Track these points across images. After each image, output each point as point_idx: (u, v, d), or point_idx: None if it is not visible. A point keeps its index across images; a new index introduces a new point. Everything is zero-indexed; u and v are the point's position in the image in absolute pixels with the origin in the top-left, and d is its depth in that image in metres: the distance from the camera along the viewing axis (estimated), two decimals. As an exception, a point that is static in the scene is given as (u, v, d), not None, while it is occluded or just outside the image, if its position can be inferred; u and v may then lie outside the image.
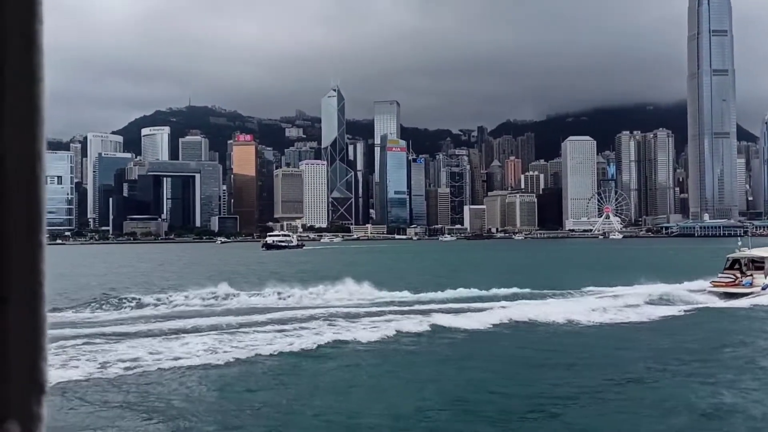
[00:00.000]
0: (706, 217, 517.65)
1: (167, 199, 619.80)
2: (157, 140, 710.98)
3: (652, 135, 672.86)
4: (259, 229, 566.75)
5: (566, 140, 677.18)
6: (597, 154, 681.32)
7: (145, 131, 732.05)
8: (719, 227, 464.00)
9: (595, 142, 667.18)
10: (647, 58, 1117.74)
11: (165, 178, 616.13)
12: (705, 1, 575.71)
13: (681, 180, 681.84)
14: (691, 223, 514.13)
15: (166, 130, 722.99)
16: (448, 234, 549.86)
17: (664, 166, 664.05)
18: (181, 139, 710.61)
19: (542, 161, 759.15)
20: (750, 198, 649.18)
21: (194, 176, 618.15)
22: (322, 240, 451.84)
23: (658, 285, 55.59)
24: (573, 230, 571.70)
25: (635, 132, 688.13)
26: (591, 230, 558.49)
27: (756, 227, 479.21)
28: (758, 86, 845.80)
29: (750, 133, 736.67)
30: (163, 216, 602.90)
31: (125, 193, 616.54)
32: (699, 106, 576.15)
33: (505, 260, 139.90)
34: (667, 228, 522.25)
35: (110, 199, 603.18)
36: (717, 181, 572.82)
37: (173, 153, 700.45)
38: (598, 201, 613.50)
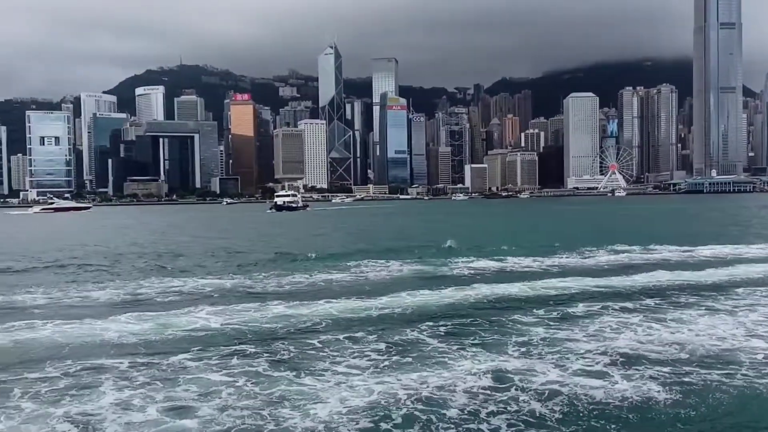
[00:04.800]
0: (713, 173, 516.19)
1: (165, 159, 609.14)
2: (152, 100, 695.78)
3: (655, 91, 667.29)
4: (260, 191, 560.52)
5: (568, 97, 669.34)
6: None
7: (139, 91, 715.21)
8: (729, 183, 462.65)
9: (597, 98, 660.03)
10: (648, 11, 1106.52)
11: (163, 139, 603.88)
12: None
13: (683, 136, 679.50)
14: (699, 179, 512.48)
15: (161, 89, 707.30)
16: (460, 193, 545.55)
17: (667, 123, 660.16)
18: (176, 99, 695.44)
19: (542, 119, 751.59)
20: (751, 154, 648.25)
21: (193, 136, 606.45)
22: (333, 201, 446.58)
23: None
24: (577, 188, 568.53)
25: (638, 88, 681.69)
26: (596, 188, 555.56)
27: (764, 183, 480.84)
28: (763, 40, 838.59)
29: (748, 88, 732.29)
30: (162, 177, 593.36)
31: (122, 154, 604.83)
32: (705, 60, 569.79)
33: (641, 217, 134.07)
34: (674, 185, 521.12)
35: (109, 161, 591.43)
36: (721, 136, 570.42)
37: (168, 113, 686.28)
38: (600, 158, 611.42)
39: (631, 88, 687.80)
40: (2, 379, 17.42)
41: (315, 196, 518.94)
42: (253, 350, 20.21)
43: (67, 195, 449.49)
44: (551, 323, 23.28)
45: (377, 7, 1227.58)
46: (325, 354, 19.62)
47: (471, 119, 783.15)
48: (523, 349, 19.59)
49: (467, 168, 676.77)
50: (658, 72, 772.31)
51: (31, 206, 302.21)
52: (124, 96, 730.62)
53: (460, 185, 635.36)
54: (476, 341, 20.79)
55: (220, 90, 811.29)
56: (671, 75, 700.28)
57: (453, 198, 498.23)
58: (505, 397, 15.25)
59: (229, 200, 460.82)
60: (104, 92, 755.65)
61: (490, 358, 18.62)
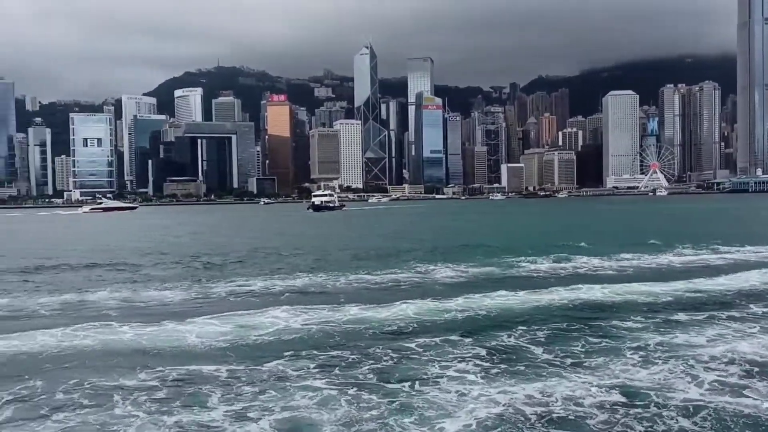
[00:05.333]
0: (758, 172, 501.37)
1: (203, 160, 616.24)
2: (191, 102, 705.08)
3: (697, 88, 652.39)
4: (296, 191, 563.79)
5: (607, 95, 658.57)
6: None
7: (178, 93, 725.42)
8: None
9: (638, 96, 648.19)
10: (689, 6, 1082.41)
11: (201, 140, 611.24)
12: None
13: (726, 134, 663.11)
14: (744, 178, 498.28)
15: (199, 91, 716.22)
16: (498, 193, 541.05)
17: (709, 120, 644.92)
18: (214, 100, 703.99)
19: (580, 117, 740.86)
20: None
21: (230, 137, 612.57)
22: (369, 200, 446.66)
23: None
24: (617, 187, 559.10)
25: (680, 85, 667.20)
26: (636, 187, 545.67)
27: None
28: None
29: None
30: (200, 177, 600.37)
31: (161, 155, 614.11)
32: (750, 56, 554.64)
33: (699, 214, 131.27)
34: (718, 184, 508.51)
35: (149, 161, 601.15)
36: (767, 134, 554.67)
37: (206, 114, 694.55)
38: (641, 157, 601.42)
39: (672, 85, 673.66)
40: (100, 383, 16.83)
41: (351, 196, 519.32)
42: (350, 355, 19.30)
43: (108, 195, 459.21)
44: (660, 330, 21.82)
45: (412, 7, 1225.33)
46: (426, 359, 18.63)
47: (507, 118, 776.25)
48: (641, 359, 18.21)
49: (504, 167, 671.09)
50: (701, 69, 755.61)
51: (80, 206, 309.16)
52: (164, 98, 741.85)
53: (496, 185, 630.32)
54: (585, 349, 19.51)
55: (256, 91, 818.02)
56: (714, 72, 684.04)
57: (490, 198, 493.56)
58: (648, 415, 13.94)
59: (266, 200, 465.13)
60: (144, 94, 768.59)
61: (610, 369, 17.27)
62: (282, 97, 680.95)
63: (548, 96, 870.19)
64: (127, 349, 20.74)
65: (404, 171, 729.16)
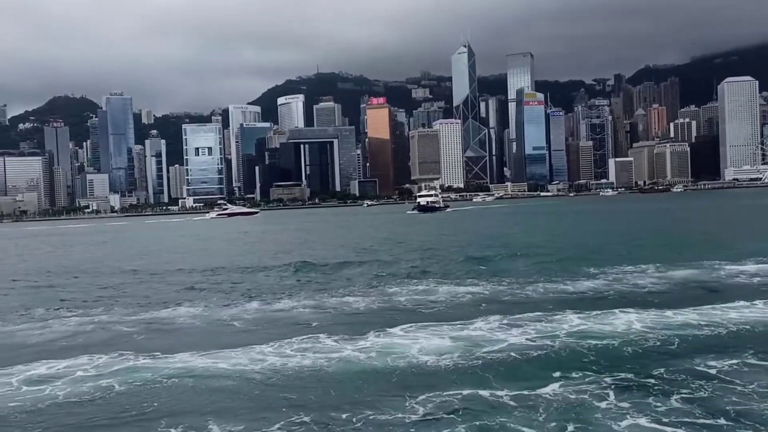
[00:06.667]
0: None
1: (306, 165, 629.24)
2: (293, 108, 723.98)
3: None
4: (396, 192, 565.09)
5: (723, 82, 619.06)
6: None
7: (280, 100, 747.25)
8: None
9: (756, 82, 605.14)
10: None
11: (304, 145, 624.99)
12: None
13: None
14: None
15: (301, 98, 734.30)
16: (609, 188, 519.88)
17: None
18: (315, 106, 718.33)
19: (693, 107, 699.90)
20: None
21: (332, 141, 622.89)
22: (474, 200, 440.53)
23: None
24: (737, 180, 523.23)
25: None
26: (759, 179, 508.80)
27: None
28: None
29: None
30: (304, 182, 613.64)
31: (267, 161, 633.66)
32: None
33: None
34: None
35: (256, 168, 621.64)
36: None
37: (308, 120, 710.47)
38: (762, 147, 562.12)
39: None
40: (374, 417, 14.56)
41: (453, 195, 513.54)
42: (636, 378, 16.33)
43: (219, 201, 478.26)
44: None
45: (509, 1, 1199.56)
46: (749, 392, 15.04)
47: (613, 111, 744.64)
48: None
49: (611, 162, 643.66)
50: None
51: (207, 212, 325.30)
52: (267, 106, 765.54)
53: (603, 180, 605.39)
54: None
55: (355, 95, 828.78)
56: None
57: (600, 194, 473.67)
58: None
59: (369, 202, 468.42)
60: (249, 103, 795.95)
61: None
62: (381, 100, 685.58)
63: (656, 86, 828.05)
64: (360, 369, 18.78)
65: (505, 169, 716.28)
